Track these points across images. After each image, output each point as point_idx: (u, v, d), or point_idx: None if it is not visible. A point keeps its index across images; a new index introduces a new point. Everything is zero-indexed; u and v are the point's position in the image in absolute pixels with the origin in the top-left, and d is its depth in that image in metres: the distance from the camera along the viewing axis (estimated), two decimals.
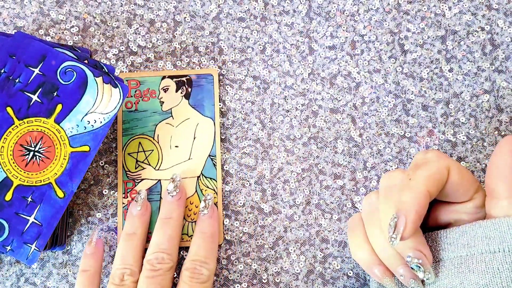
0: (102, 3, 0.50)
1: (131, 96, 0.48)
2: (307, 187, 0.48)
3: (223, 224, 0.47)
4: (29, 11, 0.50)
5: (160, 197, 0.47)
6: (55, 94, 0.43)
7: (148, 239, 0.46)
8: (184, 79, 0.48)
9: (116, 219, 0.48)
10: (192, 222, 0.47)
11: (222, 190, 0.48)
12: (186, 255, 0.47)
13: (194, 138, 0.48)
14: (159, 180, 0.47)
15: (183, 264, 0.44)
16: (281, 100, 0.49)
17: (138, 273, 0.43)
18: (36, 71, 0.43)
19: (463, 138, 0.48)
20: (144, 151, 0.48)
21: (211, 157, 0.47)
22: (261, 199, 0.48)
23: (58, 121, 0.43)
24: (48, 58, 0.43)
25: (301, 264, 0.47)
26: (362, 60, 0.49)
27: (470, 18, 0.50)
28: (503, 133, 0.48)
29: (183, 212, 0.46)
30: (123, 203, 0.47)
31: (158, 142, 0.48)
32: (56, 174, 0.43)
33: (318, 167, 0.48)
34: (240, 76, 0.49)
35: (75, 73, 0.43)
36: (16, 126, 0.43)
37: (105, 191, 0.48)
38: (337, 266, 0.47)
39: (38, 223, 0.43)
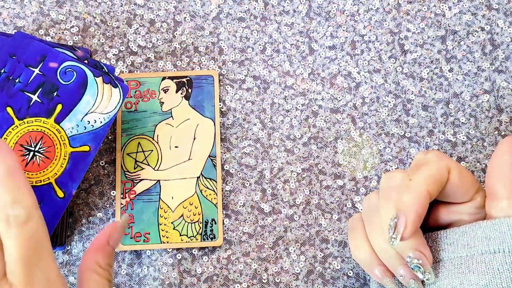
0: (102, 3, 0.50)
1: (131, 97, 0.48)
2: (307, 187, 0.48)
3: (223, 224, 0.47)
4: (29, 11, 0.50)
5: (159, 198, 0.47)
6: (55, 94, 0.43)
7: None
8: (184, 80, 0.48)
9: (115, 220, 0.48)
10: (191, 223, 0.47)
11: (222, 190, 0.48)
12: (185, 256, 0.47)
13: (194, 139, 0.48)
14: (158, 180, 0.47)
15: None
16: (281, 100, 0.49)
17: None
18: (36, 71, 0.43)
19: (463, 138, 0.48)
20: (143, 152, 0.48)
21: (211, 157, 0.47)
22: (261, 199, 0.48)
23: (58, 121, 0.43)
24: (48, 58, 0.43)
25: (301, 264, 0.47)
26: (362, 60, 0.49)
27: (470, 18, 0.50)
28: (503, 133, 0.48)
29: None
30: (121, 204, 0.47)
31: (157, 143, 0.48)
32: (56, 174, 0.43)
33: (318, 167, 0.48)
34: (240, 76, 0.49)
35: (75, 73, 0.43)
36: (16, 126, 0.43)
37: (106, 191, 0.48)
38: (337, 266, 0.47)
39: None
